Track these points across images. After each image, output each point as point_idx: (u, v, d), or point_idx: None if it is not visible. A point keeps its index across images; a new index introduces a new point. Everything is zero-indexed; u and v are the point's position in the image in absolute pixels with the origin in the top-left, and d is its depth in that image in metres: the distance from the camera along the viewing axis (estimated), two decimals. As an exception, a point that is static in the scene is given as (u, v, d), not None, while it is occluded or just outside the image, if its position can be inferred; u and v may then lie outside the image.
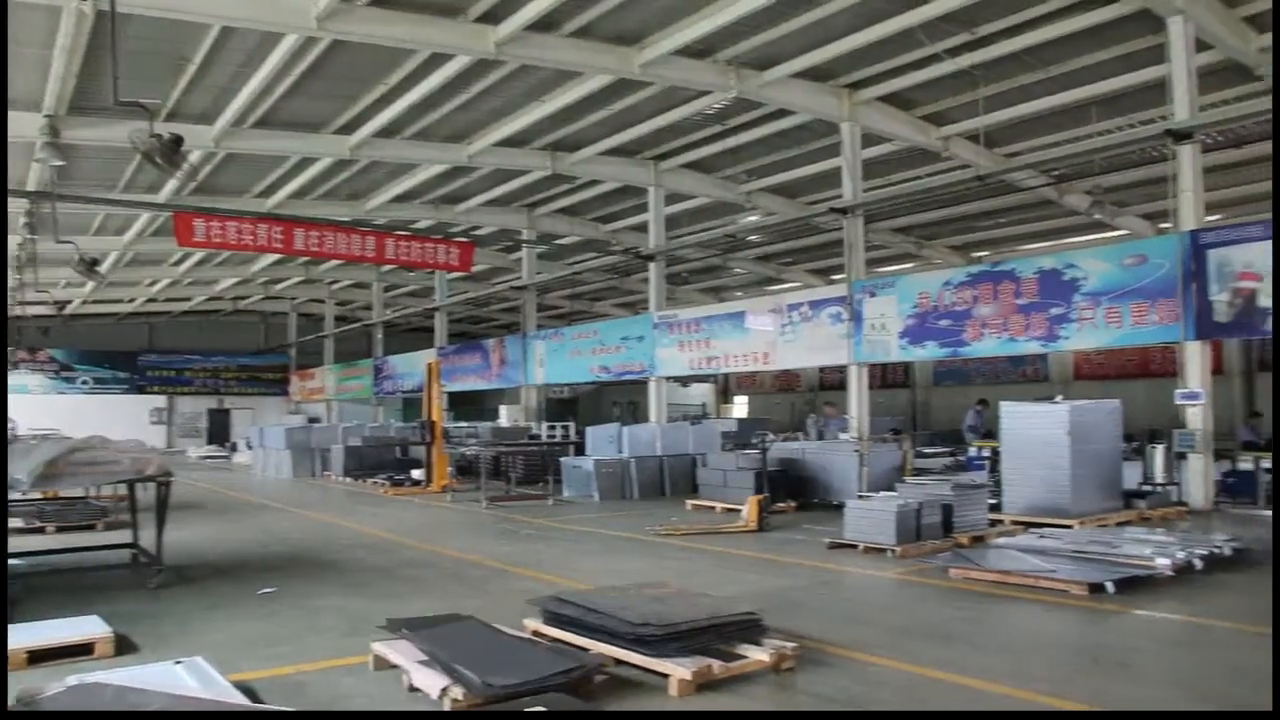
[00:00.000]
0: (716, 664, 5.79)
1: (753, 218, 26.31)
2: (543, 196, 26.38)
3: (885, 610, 8.38)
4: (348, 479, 23.13)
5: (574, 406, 39.04)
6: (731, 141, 20.94)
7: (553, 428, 26.35)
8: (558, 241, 29.78)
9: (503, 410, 31.33)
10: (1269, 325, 13.69)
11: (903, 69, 17.23)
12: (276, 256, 29.14)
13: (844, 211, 19.34)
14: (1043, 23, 15.24)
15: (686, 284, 36.40)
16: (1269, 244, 13.60)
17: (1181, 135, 14.55)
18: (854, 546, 10.98)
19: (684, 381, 36.96)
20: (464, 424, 28.23)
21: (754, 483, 14.63)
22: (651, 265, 24.57)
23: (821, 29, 15.42)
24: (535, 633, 6.71)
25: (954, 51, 16.07)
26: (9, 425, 21.52)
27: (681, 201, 25.22)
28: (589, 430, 20.79)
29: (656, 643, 5.89)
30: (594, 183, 24.39)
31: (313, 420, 38.00)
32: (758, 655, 6.04)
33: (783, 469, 15.91)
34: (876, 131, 19.16)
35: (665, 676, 5.68)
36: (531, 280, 29.87)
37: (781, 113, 18.90)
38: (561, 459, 19.35)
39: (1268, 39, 15.44)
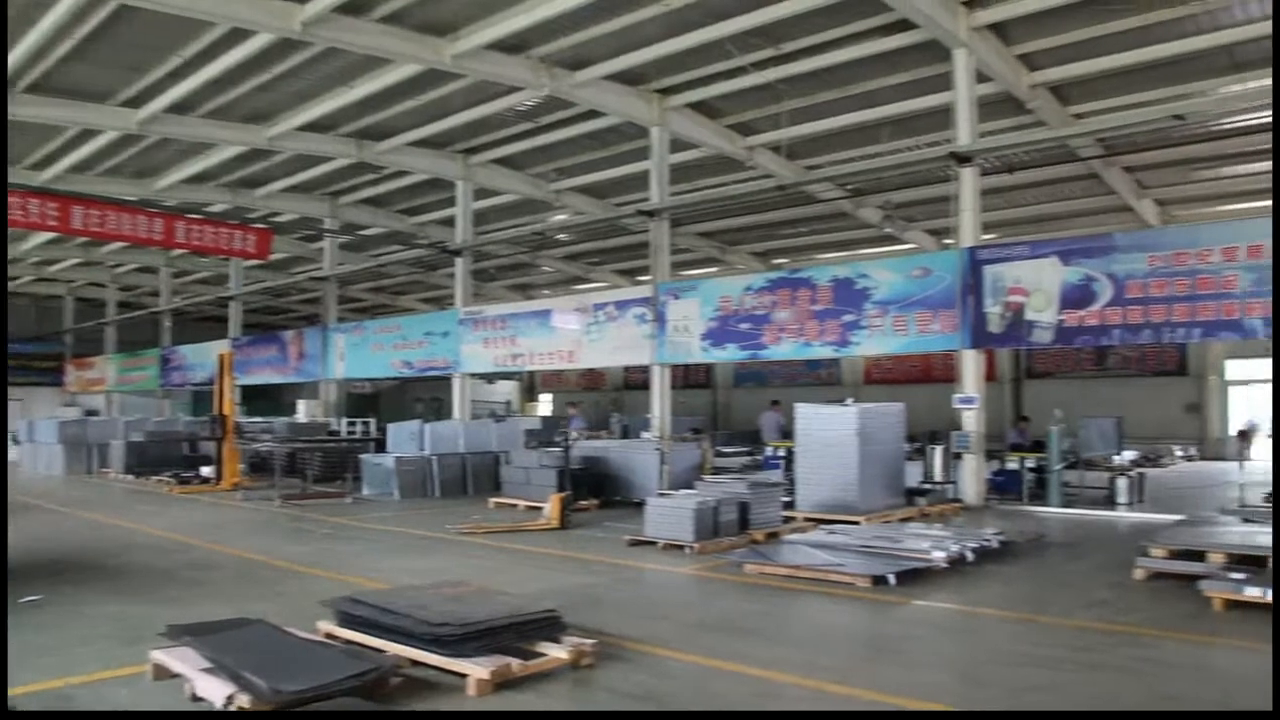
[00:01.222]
0: (515, 662, 5.78)
1: (561, 216, 26.41)
2: (347, 185, 25.57)
3: (683, 605, 8.59)
4: (129, 476, 21.68)
5: (376, 402, 38.03)
6: (542, 139, 20.97)
7: (353, 424, 25.60)
8: (362, 232, 28.97)
9: (300, 405, 30.15)
10: (1035, 336, 14.88)
11: (712, 78, 17.72)
12: (51, 235, 26.96)
13: (651, 214, 19.68)
14: (842, 45, 16.01)
15: (494, 280, 36.12)
16: (1036, 262, 14.80)
17: (963, 158, 15.61)
18: (654, 543, 11.18)
19: (489, 378, 36.69)
20: (258, 419, 27.03)
21: (557, 481, 14.68)
22: (458, 260, 24.26)
23: (634, 34, 15.66)
24: (328, 635, 6.50)
25: (760, 65, 16.65)
26: None
27: (491, 197, 25.02)
28: (390, 427, 20.29)
29: (454, 642, 5.82)
30: (401, 173, 23.84)
31: (90, 413, 35.42)
32: (557, 653, 6.07)
33: (586, 467, 16.03)
34: (685, 137, 19.61)
35: (464, 677, 5.63)
36: (333, 271, 28.93)
37: (593, 113, 19.06)
38: (361, 456, 18.82)
39: (1039, 75, 16.80)
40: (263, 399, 36.81)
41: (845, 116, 18.85)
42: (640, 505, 12.22)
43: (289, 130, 19.76)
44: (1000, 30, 15.74)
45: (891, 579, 8.82)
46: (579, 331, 21.14)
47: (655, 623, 7.51)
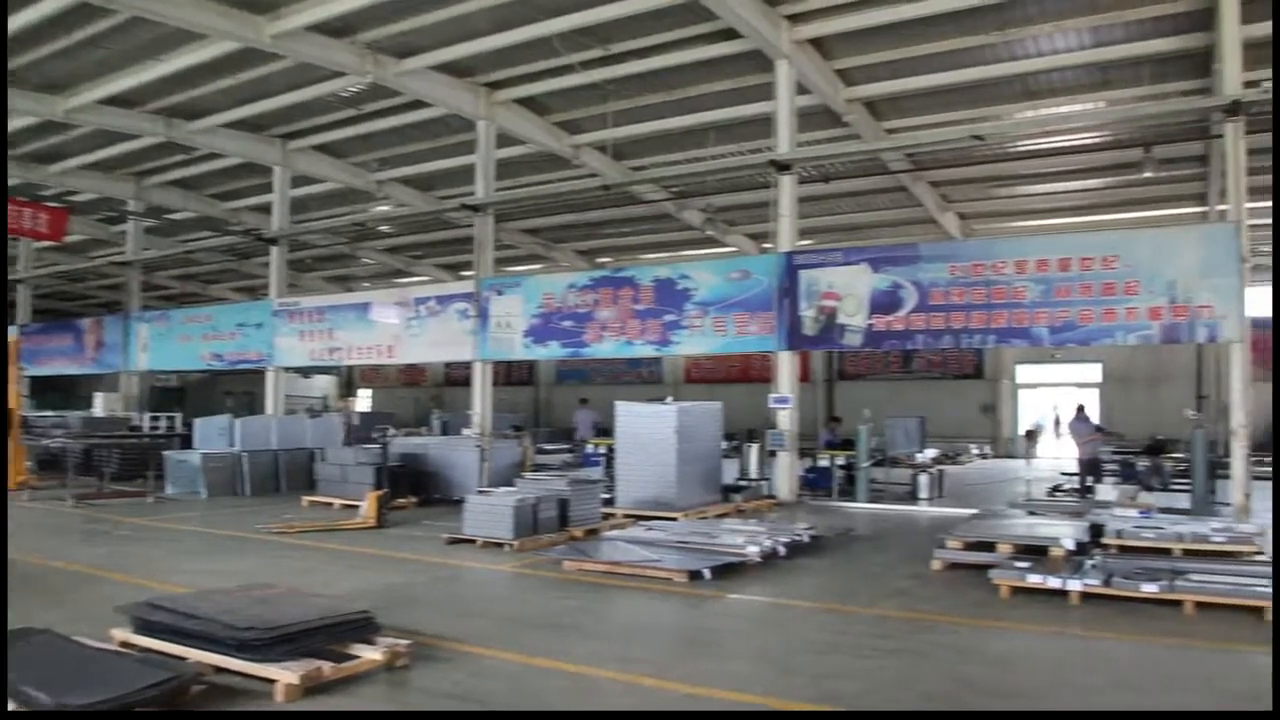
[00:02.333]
0: (327, 666, 5.62)
1: (384, 208, 25.75)
2: (155, 165, 24.10)
3: (501, 603, 8.55)
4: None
5: (182, 396, 36.08)
6: (366, 128, 20.42)
7: (156, 418, 24.26)
8: (170, 216, 27.40)
9: (98, 398, 28.29)
10: (846, 339, 15.57)
11: (540, 75, 17.70)
12: None
13: (476, 209, 19.49)
14: (670, 49, 16.29)
15: (311, 271, 34.87)
16: (848, 268, 15.50)
17: (782, 166, 16.16)
18: (473, 541, 11.07)
19: (305, 372, 35.41)
20: (50, 413, 25.22)
21: (374, 478, 14.31)
22: (274, 249, 23.35)
23: (462, 25, 15.48)
24: (124, 643, 6.13)
25: (588, 65, 16.74)
26: None
27: (310, 184, 24.17)
28: (198, 422, 19.30)
29: (262, 647, 5.60)
30: (214, 156, 22.63)
31: None
32: (371, 654, 5.94)
33: (404, 464, 15.71)
34: (512, 133, 19.50)
35: (272, 682, 5.43)
36: (137, 256, 27.33)
37: (418, 104, 18.70)
38: (165, 453, 17.81)
39: (856, 91, 17.56)
40: (55, 391, 34.36)
41: (671, 120, 19.19)
42: (460, 503, 12.08)
43: (90, 103, 18.49)
44: (820, 45, 16.38)
45: (707, 574, 9.03)
46: (399, 326, 20.71)
47: (473, 621, 7.46)
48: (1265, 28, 14.09)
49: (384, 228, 27.19)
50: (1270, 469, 20.35)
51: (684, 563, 9.28)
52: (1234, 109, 13.02)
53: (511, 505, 11.02)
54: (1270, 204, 19.10)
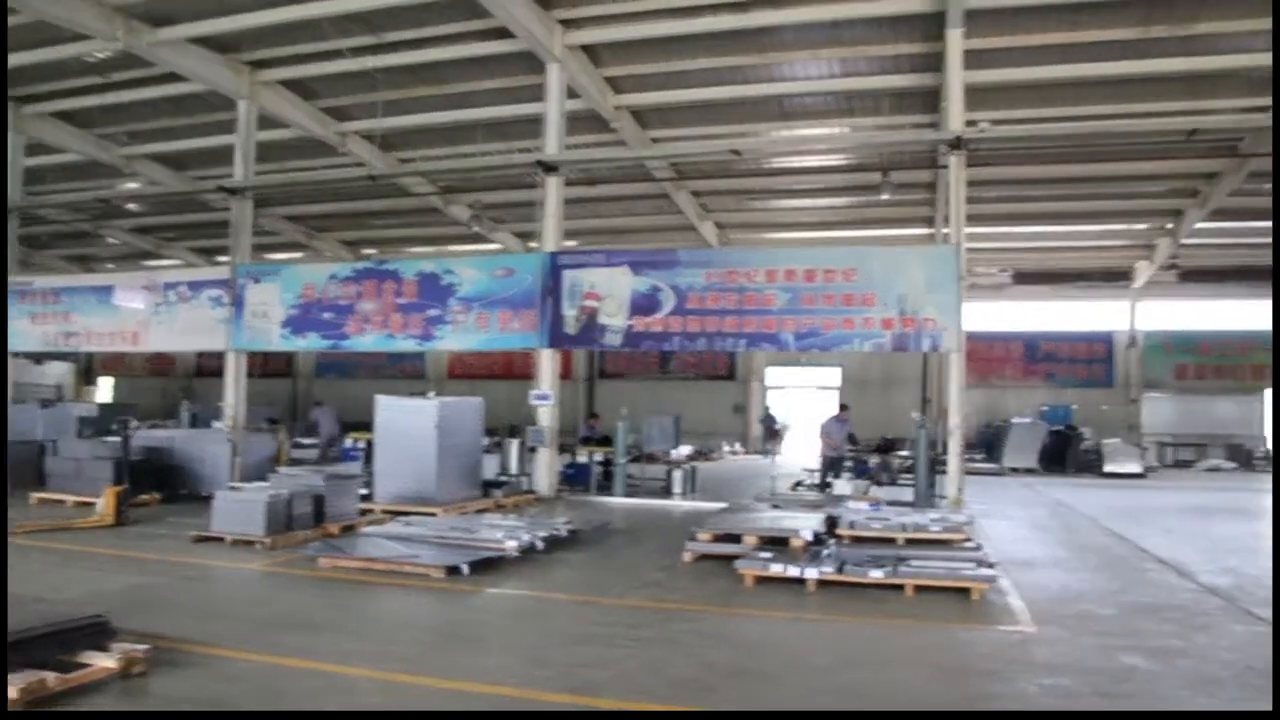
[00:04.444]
0: (53, 676, 5.29)
1: (133, 185, 24.00)
2: None
3: (251, 603, 8.32)
4: None
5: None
6: (115, 97, 18.99)
7: None
8: None
9: None
10: (606, 339, 16.02)
11: (308, 58, 17.17)
12: None
13: (234, 192, 18.62)
14: (442, 43, 16.23)
15: (47, 249, 31.96)
16: (610, 270, 15.97)
17: (550, 167, 16.41)
18: (222, 539, 10.66)
19: (38, 359, 32.46)
20: None
21: (113, 473, 13.44)
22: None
23: (224, -2, 14.79)
24: None
25: (359, 52, 16.40)
26: None
27: (48, 154, 22.16)
28: (-100, 410, 17.39)
29: (-23, 658, 5.23)
30: (-73, 117, 20.46)
31: None
32: (104, 662, 5.65)
33: (148, 458, 14.83)
34: (275, 115, 18.76)
35: (-9, 695, 5.09)
36: None
37: (174, 77, 17.63)
38: None
39: (624, 99, 18.09)
40: None
41: (441, 114, 19.06)
42: (209, 499, 11.57)
43: None
44: (592, 52, 16.78)
45: (465, 569, 9.13)
46: (146, 311, 19.44)
47: (220, 622, 7.23)
48: (985, 74, 15.78)
49: (132, 206, 25.39)
50: (980, 465, 22.60)
51: (442, 558, 9.33)
52: (956, 144, 14.41)
53: (264, 501, 10.69)
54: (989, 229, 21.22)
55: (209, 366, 33.35)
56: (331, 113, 19.64)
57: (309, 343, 18.27)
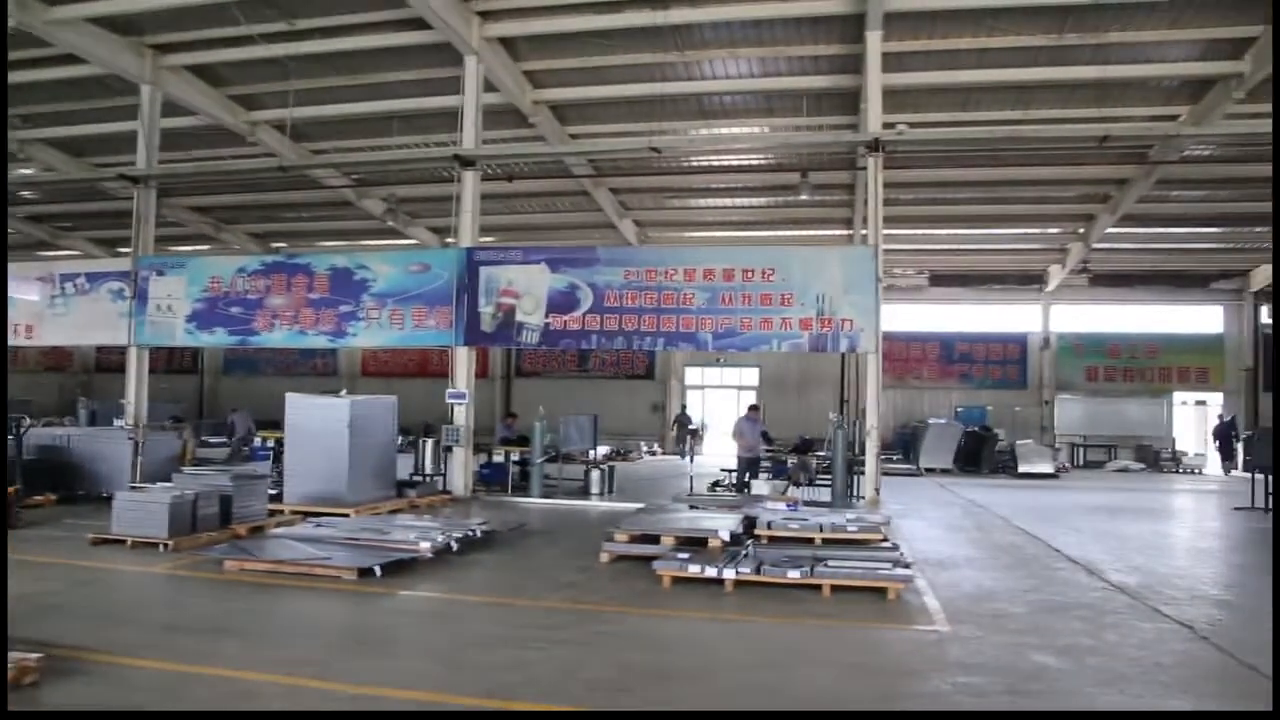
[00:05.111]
0: (-65, 686, 5.00)
1: (27, 170, 22.98)
2: None
3: (153, 608, 8.00)
4: None
5: None
6: (8, 78, 18.13)
7: None
8: None
9: None
10: (524, 337, 15.87)
11: (216, 43, 16.63)
12: None
13: (136, 180, 17.95)
14: (357, 32, 15.85)
15: (-71, 237, 30.52)
16: (528, 267, 15.84)
17: (467, 162, 16.17)
18: (123, 542, 10.23)
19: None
20: None
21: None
22: (-120, 208, 20.25)
23: (127, -23, 14.22)
24: None
25: (270, 38, 15.91)
26: None
27: (-70, 138, 21.15)
28: None
29: None
30: None
31: None
32: (-9, 671, 5.36)
33: (43, 457, 14.20)
34: (182, 101, 18.13)
35: None
36: None
37: (73, 58, 16.86)
38: None
39: (543, 93, 17.91)
40: None
41: (356, 104, 18.65)
42: (109, 500, 11.10)
43: None
44: (510, 45, 16.58)
45: (378, 570, 8.91)
46: (40, 304, 18.62)
47: (119, 629, 6.92)
48: (903, 77, 16.01)
49: (26, 193, 24.27)
50: (897, 465, 22.97)
51: (354, 560, 9.10)
52: (875, 145, 14.59)
53: (167, 502, 10.31)
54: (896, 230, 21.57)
55: (109, 362, 32.29)
56: (241, 100, 19.06)
57: (216, 338, 17.70)
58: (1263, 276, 27.00)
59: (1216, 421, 27.22)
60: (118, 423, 17.48)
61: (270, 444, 17.19)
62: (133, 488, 11.49)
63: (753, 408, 17.91)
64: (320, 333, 16.87)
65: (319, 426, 13.41)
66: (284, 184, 20.87)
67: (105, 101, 19.13)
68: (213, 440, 22.67)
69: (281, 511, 12.66)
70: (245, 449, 20.08)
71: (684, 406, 30.73)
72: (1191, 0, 14.35)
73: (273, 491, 12.90)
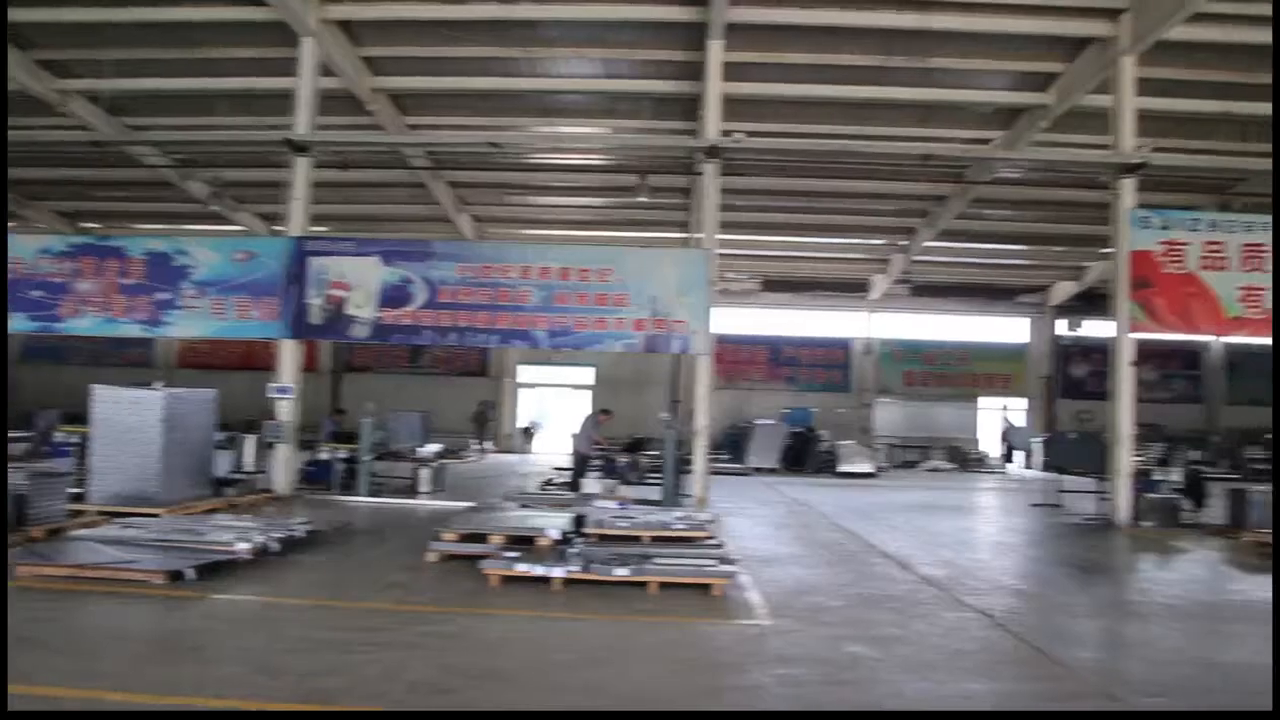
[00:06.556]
0: None
1: None
2: None
3: (-69, 615, 7.35)
4: None
5: None
6: None
7: None
8: None
9: None
10: (354, 331, 15.47)
11: (23, 2, 15.44)
12: None
13: (-75, 151, 16.51)
14: (185, 2, 15.09)
15: None
16: (360, 259, 15.44)
17: (299, 147, 15.59)
18: (-104, 543, 9.40)
19: None
20: None
21: None
22: None
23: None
24: None
25: (87, 1, 14.94)
26: None
27: None
28: None
29: None
30: None
31: None
32: None
33: None
34: (-21, 65, 16.78)
35: None
36: None
37: None
38: None
39: (382, 81, 17.49)
40: None
41: (181, 80, 17.73)
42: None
43: None
44: (350, 29, 16.10)
45: (190, 573, 8.47)
46: None
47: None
48: (742, 87, 16.42)
49: None
50: (725, 465, 23.49)
51: (164, 563, 8.61)
52: (712, 152, 14.89)
53: (-50, 501, 9.51)
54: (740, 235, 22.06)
55: (-110, 346, 29.58)
56: (50, 66, 17.77)
57: (16, 324, 16.45)
58: (1061, 292, 29.25)
59: (1002, 425, 30.23)
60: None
61: (74, 439, 16.07)
62: (-89, 484, 10.55)
63: (604, 411, 18.12)
64: (134, 321, 15.92)
65: (129, 421, 12.63)
66: (98, 160, 19.70)
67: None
68: (13, 435, 21.05)
69: (85, 512, 11.87)
70: (46, 445, 18.75)
71: (487, 401, 30.34)
72: (1006, 34, 15.30)
73: (76, 491, 12.10)
